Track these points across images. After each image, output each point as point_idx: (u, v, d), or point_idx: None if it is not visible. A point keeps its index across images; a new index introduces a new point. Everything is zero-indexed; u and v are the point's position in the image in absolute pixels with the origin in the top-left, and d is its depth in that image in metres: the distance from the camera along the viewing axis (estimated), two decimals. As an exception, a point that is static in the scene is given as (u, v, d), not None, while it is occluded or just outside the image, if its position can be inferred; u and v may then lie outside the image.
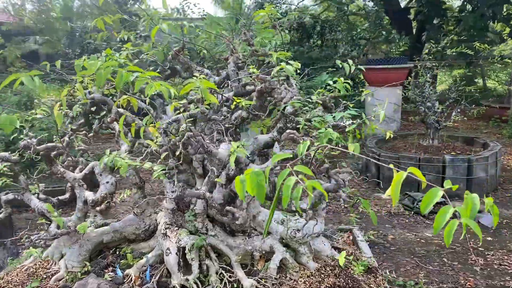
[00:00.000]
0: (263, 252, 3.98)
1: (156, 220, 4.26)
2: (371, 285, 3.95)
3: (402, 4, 16.85)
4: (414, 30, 16.64)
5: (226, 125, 3.67)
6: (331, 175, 3.62)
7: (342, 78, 3.69)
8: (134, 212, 4.21)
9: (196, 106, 3.50)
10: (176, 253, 3.80)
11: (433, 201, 1.71)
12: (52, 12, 14.94)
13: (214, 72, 4.46)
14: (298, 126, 3.67)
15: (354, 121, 3.76)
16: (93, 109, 4.01)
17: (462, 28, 13.02)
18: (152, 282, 3.78)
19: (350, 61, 3.93)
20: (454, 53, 8.57)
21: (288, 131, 3.45)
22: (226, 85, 4.02)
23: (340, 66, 3.88)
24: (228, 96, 3.72)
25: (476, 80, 17.44)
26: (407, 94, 8.73)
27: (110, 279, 3.81)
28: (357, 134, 4.09)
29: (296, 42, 13.44)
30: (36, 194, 4.17)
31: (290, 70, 3.09)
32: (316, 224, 3.91)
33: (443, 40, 11.54)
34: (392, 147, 8.66)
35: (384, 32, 13.21)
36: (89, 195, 3.97)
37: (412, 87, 8.49)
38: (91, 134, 4.30)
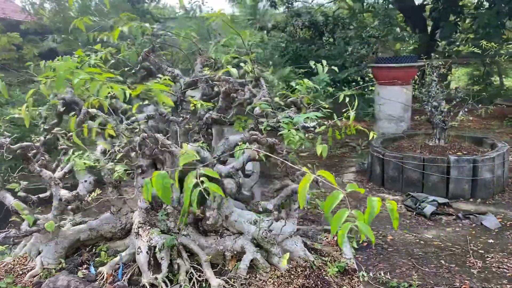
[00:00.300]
0: (235, 252, 3.99)
1: (132, 218, 4.31)
2: (344, 287, 3.92)
3: (417, 2, 16.55)
4: (429, 28, 16.34)
5: (186, 126, 3.67)
6: (296, 177, 3.60)
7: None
8: (110, 210, 4.26)
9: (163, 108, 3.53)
10: (147, 252, 3.84)
11: (335, 202, 1.69)
12: (69, 11, 15.20)
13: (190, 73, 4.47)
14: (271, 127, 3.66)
15: (326, 123, 3.74)
16: (62, 109, 4.06)
17: (477, 25, 12.69)
18: (124, 280, 3.82)
19: (324, 62, 3.92)
20: (472, 51, 8.34)
21: (250, 132, 3.44)
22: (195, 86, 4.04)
23: (314, 67, 3.88)
24: (186, 99, 3.74)
25: (492, 78, 16.99)
26: (413, 93, 8.59)
27: (82, 276, 3.86)
28: (337, 134, 4.06)
29: (308, 39, 13.38)
30: (19, 192, 4.26)
31: (234, 72, 3.09)
32: (285, 225, 3.89)
33: (457, 38, 11.31)
34: (397, 147, 8.53)
35: (398, 29, 13.00)
36: (64, 194, 4.03)
37: (419, 86, 8.35)
38: (70, 133, 4.37)
